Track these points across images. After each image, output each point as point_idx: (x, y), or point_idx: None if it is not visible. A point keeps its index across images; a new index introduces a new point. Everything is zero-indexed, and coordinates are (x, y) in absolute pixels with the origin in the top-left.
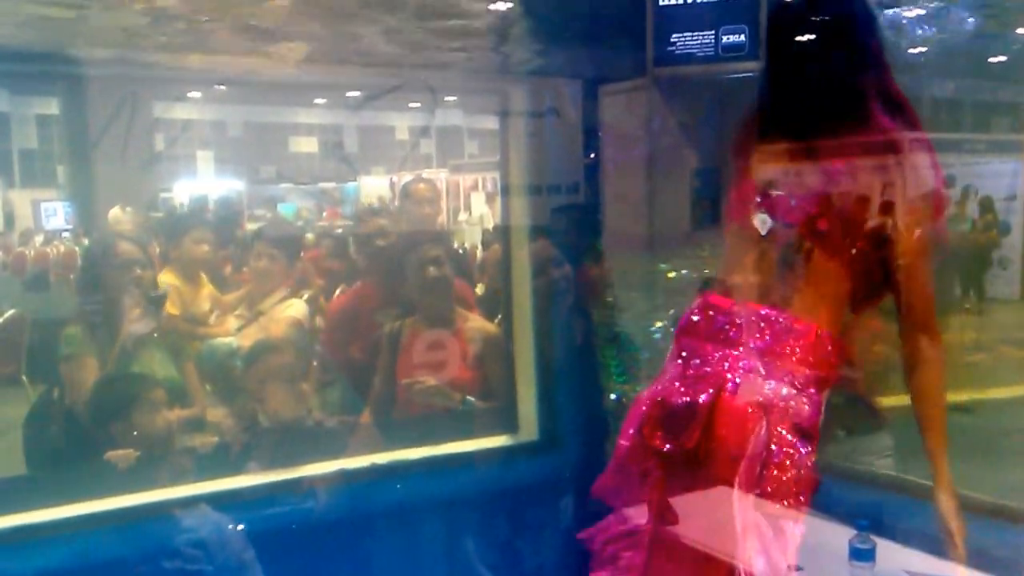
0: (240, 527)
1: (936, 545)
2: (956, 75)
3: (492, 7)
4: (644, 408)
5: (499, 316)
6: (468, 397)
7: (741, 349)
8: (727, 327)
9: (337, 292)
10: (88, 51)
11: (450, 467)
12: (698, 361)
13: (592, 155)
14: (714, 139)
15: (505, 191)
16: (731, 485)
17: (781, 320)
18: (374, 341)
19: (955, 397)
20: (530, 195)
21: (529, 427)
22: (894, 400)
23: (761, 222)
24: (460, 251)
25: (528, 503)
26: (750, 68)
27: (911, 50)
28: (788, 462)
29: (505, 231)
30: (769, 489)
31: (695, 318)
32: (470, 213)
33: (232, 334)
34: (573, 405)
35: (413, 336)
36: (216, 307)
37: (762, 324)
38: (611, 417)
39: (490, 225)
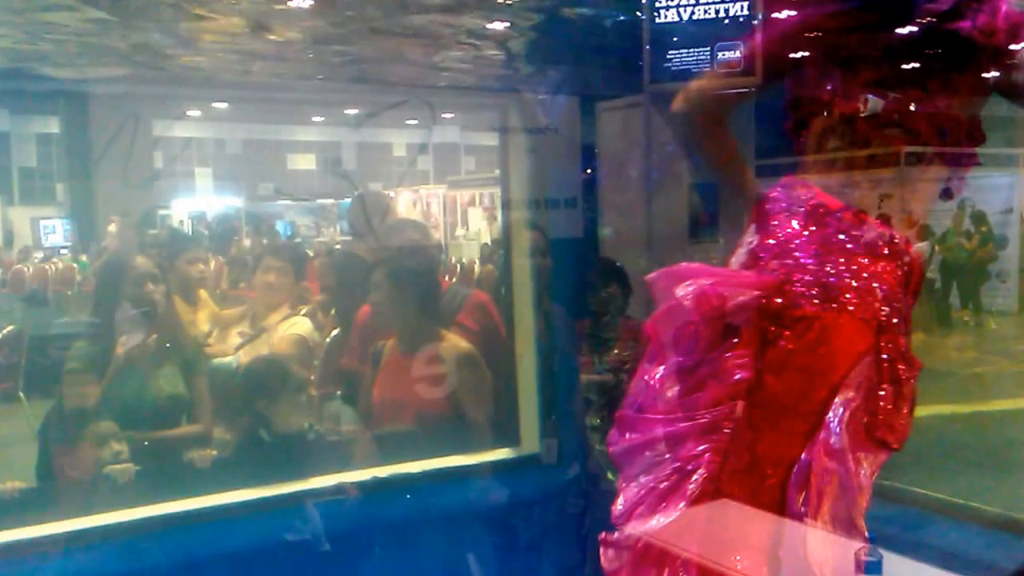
0: (244, 541)
1: (943, 558)
2: None
3: (490, 26)
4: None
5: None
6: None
7: (859, 263)
8: (841, 235)
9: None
10: (90, 70)
11: (452, 481)
12: (811, 263)
13: (589, 170)
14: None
15: (505, 205)
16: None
17: (889, 237)
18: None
19: (960, 409)
20: (529, 209)
21: (531, 440)
22: None
23: (873, 104)
24: (458, 266)
25: (530, 516)
26: (745, 84)
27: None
28: (896, 392)
29: (506, 245)
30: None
31: (800, 209)
32: (467, 228)
33: (233, 353)
34: (575, 419)
35: (392, 354)
36: (216, 325)
37: (877, 239)
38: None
39: (487, 240)
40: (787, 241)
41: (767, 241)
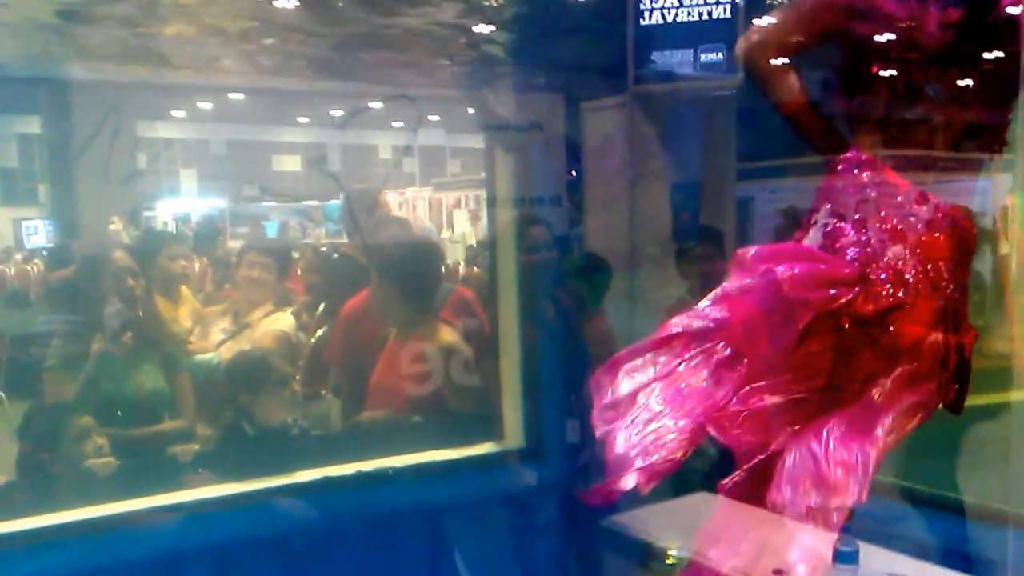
0: (226, 535)
1: (919, 548)
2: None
3: (476, 29)
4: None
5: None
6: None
7: (926, 243)
8: (911, 216)
9: (321, 307)
10: (72, 68)
11: (436, 474)
12: (886, 249)
13: (574, 170)
14: (694, 154)
15: (491, 204)
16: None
17: (951, 213)
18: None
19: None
20: (515, 209)
21: (515, 435)
22: None
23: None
24: (443, 267)
25: (514, 510)
26: (728, 85)
27: None
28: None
29: (491, 243)
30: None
31: (872, 193)
32: (453, 230)
33: (214, 349)
34: (558, 413)
35: (390, 343)
36: (198, 321)
37: (940, 217)
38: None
39: (473, 242)
40: (862, 224)
41: (841, 224)
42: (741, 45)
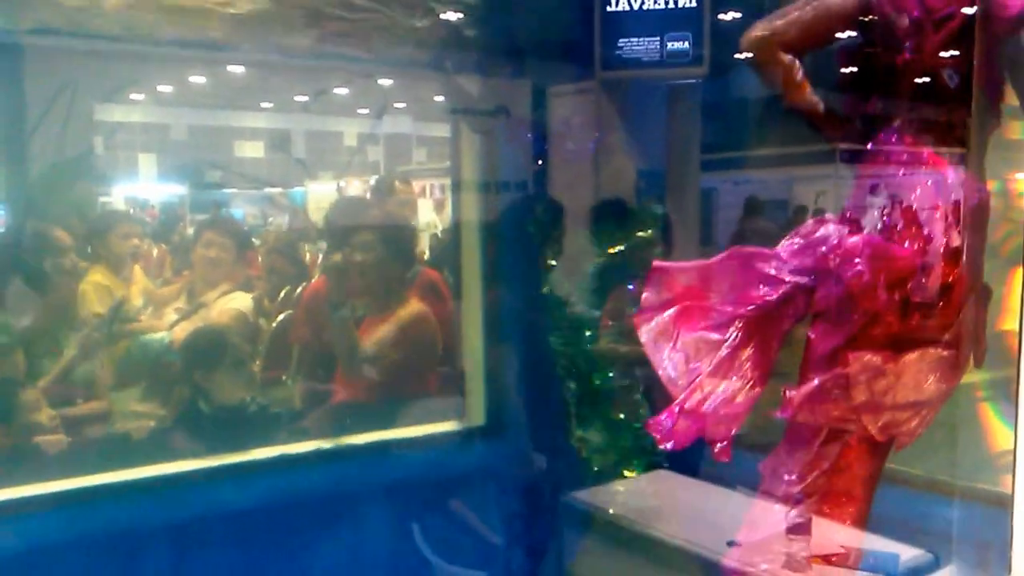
0: (183, 513)
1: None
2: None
3: (444, 16)
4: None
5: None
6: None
7: (960, 217)
8: (951, 193)
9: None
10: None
11: (397, 452)
12: (937, 231)
13: (540, 154)
14: (660, 142)
15: (456, 188)
16: None
17: (973, 182)
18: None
19: None
20: (480, 192)
21: (477, 413)
22: None
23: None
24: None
25: (475, 486)
26: (694, 74)
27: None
28: None
29: (455, 224)
30: None
31: (921, 176)
32: (418, 221)
33: (167, 329)
34: (520, 392)
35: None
36: (150, 301)
37: (963, 187)
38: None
39: (438, 231)
40: (917, 206)
41: (892, 211)
42: (748, 37)
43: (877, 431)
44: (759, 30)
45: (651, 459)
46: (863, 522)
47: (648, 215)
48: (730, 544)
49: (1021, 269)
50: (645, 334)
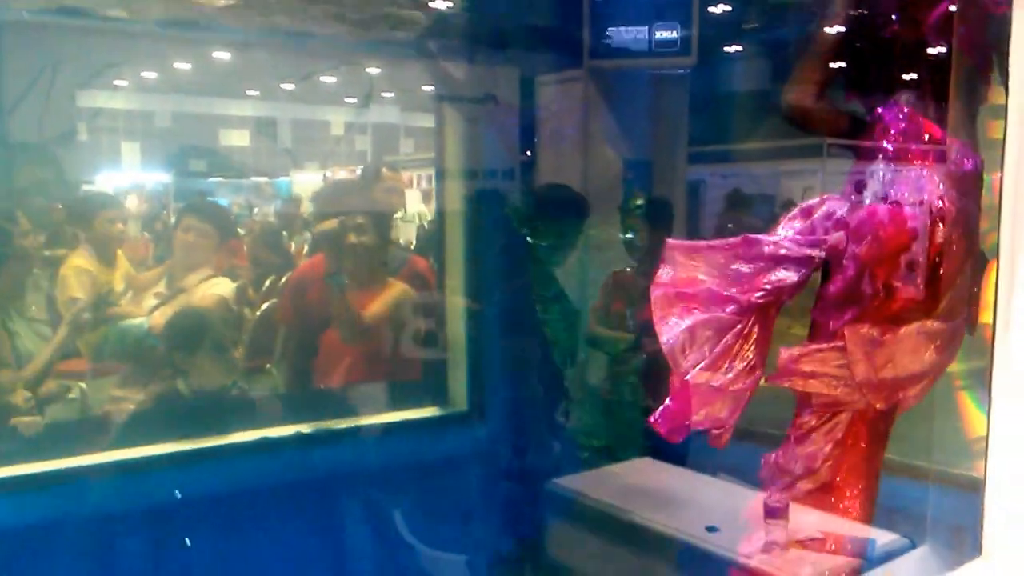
0: (162, 496)
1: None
2: None
3: (432, 4)
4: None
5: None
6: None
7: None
8: (952, 164)
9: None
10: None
11: (379, 437)
12: (947, 202)
13: (526, 142)
14: (647, 132)
15: (440, 176)
16: None
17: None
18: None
19: None
20: (463, 180)
21: (459, 399)
22: None
23: None
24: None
25: (456, 471)
26: (682, 64)
27: None
28: None
29: (439, 212)
30: None
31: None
32: (405, 210)
33: (146, 314)
34: (501, 379)
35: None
36: (131, 286)
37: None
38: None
39: (426, 222)
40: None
41: (895, 172)
42: (786, 110)
43: (881, 401)
44: (790, 101)
45: (643, 444)
46: (872, 501)
47: (629, 205)
48: (710, 530)
49: (996, 263)
50: (656, 306)
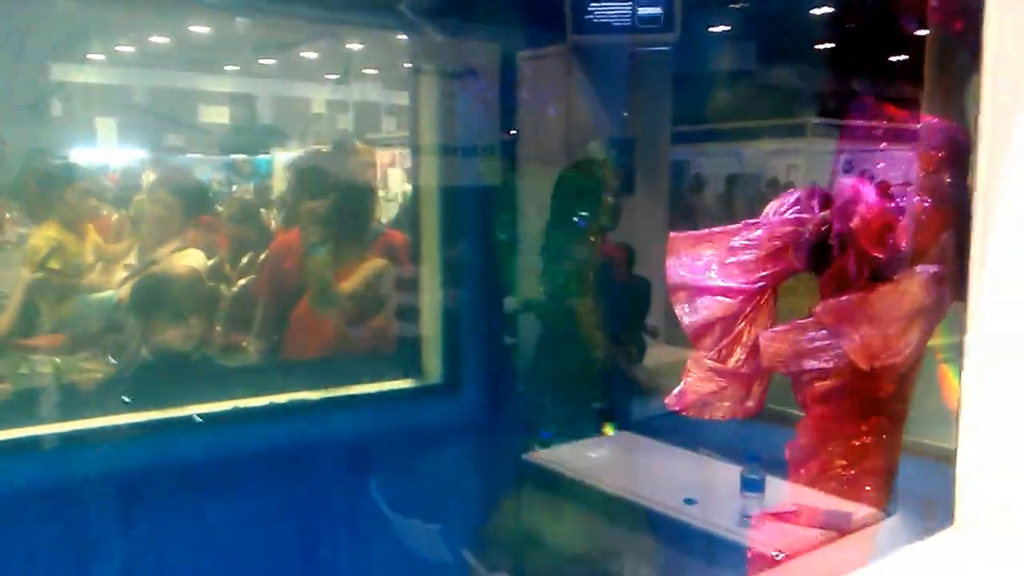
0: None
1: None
2: None
3: None
4: None
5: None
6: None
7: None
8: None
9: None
10: None
11: (353, 408)
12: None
13: (506, 118)
14: (630, 108)
15: (416, 151)
16: None
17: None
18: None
19: None
20: (439, 155)
21: (433, 371)
22: None
23: None
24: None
25: (430, 444)
26: (665, 40)
27: None
28: None
29: (415, 187)
30: None
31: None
32: (388, 189)
33: (116, 287)
34: (475, 351)
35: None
36: (101, 258)
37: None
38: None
39: (407, 200)
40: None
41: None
42: None
43: (868, 362)
44: None
45: (614, 421)
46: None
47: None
48: (688, 503)
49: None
50: (673, 297)
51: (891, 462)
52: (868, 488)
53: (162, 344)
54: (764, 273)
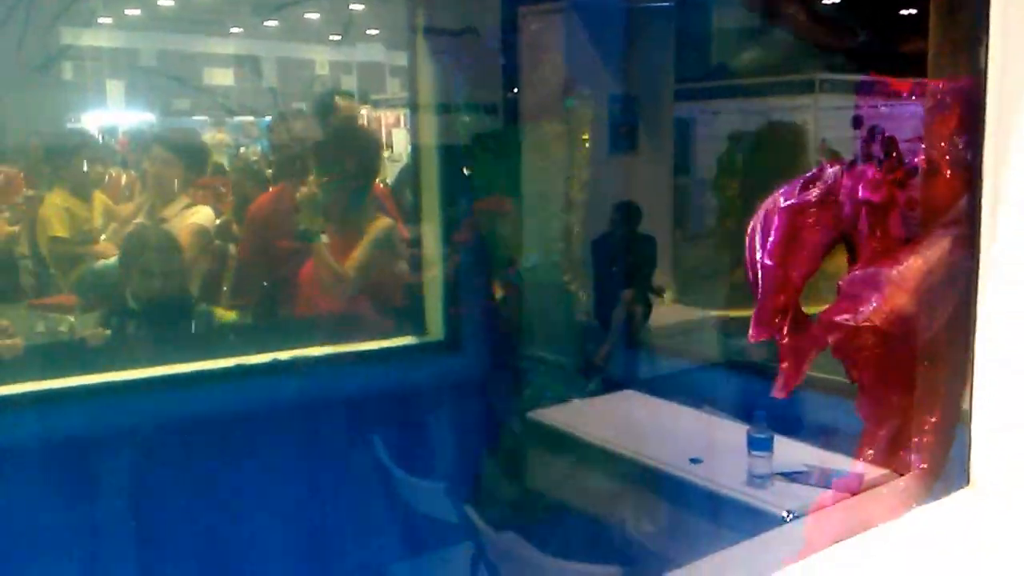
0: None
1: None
2: None
3: None
4: None
5: None
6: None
7: None
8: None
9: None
10: None
11: (358, 364)
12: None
13: (509, 75)
14: (632, 65)
15: (414, 109)
16: None
17: None
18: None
19: None
20: (438, 114)
21: (435, 328)
22: None
23: None
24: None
25: (432, 399)
26: None
27: None
28: None
29: (414, 146)
30: None
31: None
32: (392, 150)
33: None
34: (476, 309)
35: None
36: (111, 219)
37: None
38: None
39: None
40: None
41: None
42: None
43: (897, 326)
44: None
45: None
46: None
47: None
48: (693, 461)
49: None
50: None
51: (952, 420)
52: (933, 452)
53: (166, 299)
54: None
